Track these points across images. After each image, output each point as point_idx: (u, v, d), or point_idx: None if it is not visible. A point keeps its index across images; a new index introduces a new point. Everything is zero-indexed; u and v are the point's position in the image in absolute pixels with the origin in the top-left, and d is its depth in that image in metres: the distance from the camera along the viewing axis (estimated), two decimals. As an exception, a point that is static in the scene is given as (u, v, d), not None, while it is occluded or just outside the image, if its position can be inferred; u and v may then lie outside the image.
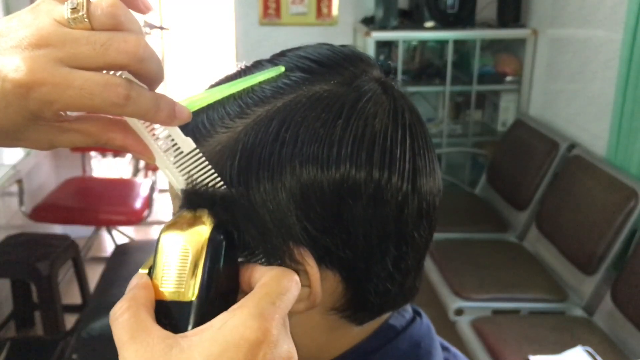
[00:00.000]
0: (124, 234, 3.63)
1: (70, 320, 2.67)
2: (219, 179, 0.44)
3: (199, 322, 0.38)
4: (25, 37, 0.36)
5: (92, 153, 3.77)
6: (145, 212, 3.06)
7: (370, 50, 3.09)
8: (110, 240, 3.56)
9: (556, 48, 2.99)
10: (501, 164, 3.10)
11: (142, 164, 4.05)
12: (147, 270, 0.41)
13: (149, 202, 3.12)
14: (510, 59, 3.31)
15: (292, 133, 0.44)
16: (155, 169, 3.41)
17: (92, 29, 0.37)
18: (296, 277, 0.41)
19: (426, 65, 3.43)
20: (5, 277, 2.66)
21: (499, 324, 2.17)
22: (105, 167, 4.26)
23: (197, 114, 0.45)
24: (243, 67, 0.51)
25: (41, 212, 2.93)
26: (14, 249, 2.52)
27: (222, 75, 0.51)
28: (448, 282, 2.43)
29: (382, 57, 3.25)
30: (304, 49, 0.50)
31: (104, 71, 0.38)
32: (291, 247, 0.44)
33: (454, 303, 2.32)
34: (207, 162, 0.44)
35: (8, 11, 2.78)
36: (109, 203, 3.13)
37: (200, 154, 0.44)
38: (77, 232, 3.24)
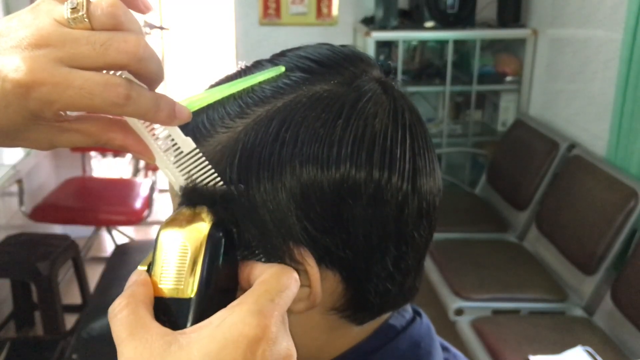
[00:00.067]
0: (124, 234, 3.63)
1: (70, 320, 2.67)
2: (219, 178, 0.44)
3: (197, 319, 0.38)
4: (25, 37, 0.36)
5: (92, 153, 3.77)
6: (145, 212, 3.06)
7: (370, 50, 3.09)
8: (110, 240, 3.56)
9: (556, 48, 2.99)
10: (501, 164, 3.10)
11: (142, 164, 4.05)
12: (146, 267, 0.41)
13: (149, 202, 3.12)
14: (510, 59, 3.31)
15: (292, 133, 0.44)
16: (155, 169, 3.42)
17: (92, 29, 0.37)
18: (295, 275, 0.41)
19: (426, 65, 3.43)
20: (5, 277, 2.66)
21: (499, 324, 2.17)
22: (105, 167, 4.26)
23: (197, 114, 0.45)
24: (243, 67, 0.51)
25: (41, 212, 2.93)
26: (14, 249, 2.52)
27: (222, 75, 0.51)
28: (448, 282, 2.43)
29: (382, 57, 3.25)
30: (304, 49, 0.50)
31: (104, 71, 0.38)
32: (291, 247, 0.44)
33: (454, 303, 2.32)
34: (207, 162, 0.44)
35: (8, 11, 2.78)
36: (109, 203, 3.13)
37: (201, 154, 0.44)
38: (77, 232, 3.24)
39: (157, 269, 0.40)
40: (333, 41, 0.52)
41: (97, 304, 2.21)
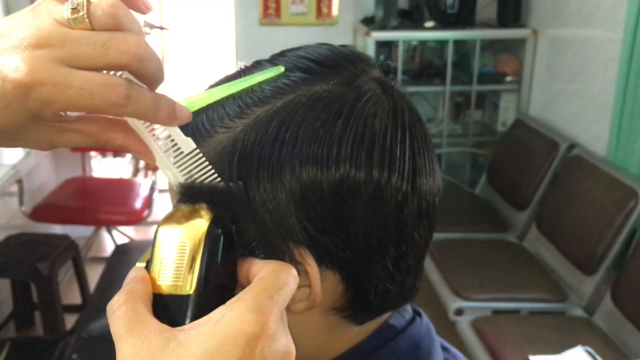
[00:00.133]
0: (124, 234, 3.63)
1: (70, 320, 2.67)
2: (219, 179, 0.44)
3: (196, 315, 0.38)
4: (26, 37, 0.36)
5: (92, 153, 3.77)
6: (145, 212, 3.06)
7: (370, 50, 3.09)
8: (110, 240, 3.56)
9: (556, 48, 2.99)
10: (501, 164, 3.10)
11: (142, 164, 4.06)
12: (144, 264, 0.41)
13: (149, 202, 3.12)
14: (510, 59, 3.31)
15: (292, 133, 0.44)
16: (155, 169, 3.41)
17: (93, 29, 0.37)
18: (294, 271, 0.41)
19: (426, 65, 3.43)
20: (5, 277, 2.66)
21: (499, 324, 2.17)
22: (105, 167, 4.26)
23: (196, 114, 0.45)
24: (242, 67, 0.51)
25: (41, 212, 2.93)
26: (14, 249, 2.52)
27: (221, 76, 0.51)
28: (448, 282, 2.43)
29: (382, 57, 3.25)
30: (303, 49, 0.50)
31: (105, 71, 0.38)
32: (291, 247, 0.44)
33: (454, 303, 2.32)
34: (207, 162, 0.44)
35: (8, 11, 2.78)
36: (109, 203, 3.13)
37: (201, 154, 0.44)
38: (77, 232, 3.24)
39: (156, 266, 0.40)
40: (333, 41, 0.52)
41: (97, 304, 2.21)
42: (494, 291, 2.37)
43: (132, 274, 0.40)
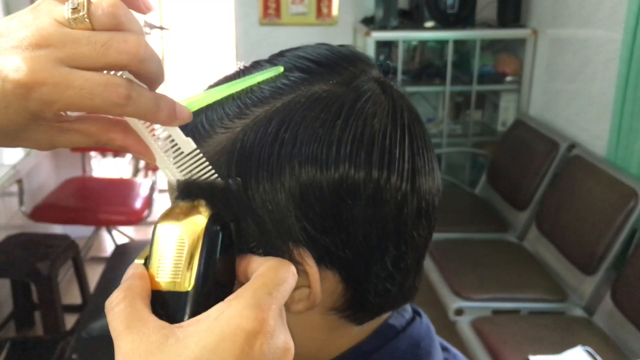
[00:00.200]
0: (124, 234, 3.63)
1: (70, 320, 2.67)
2: (219, 179, 0.44)
3: (195, 312, 0.38)
4: (26, 37, 0.36)
5: (92, 153, 3.77)
6: (145, 212, 3.06)
7: (370, 50, 3.09)
8: (110, 240, 3.56)
9: (556, 48, 2.99)
10: (501, 164, 3.10)
11: (142, 164, 4.06)
12: (142, 261, 0.41)
13: (149, 202, 3.12)
14: (510, 59, 3.31)
15: (291, 133, 0.44)
16: (155, 169, 3.41)
17: (93, 29, 0.37)
18: (293, 268, 0.41)
19: (426, 65, 3.43)
20: (5, 277, 2.66)
21: (499, 324, 2.17)
22: (105, 167, 4.26)
23: (196, 114, 0.45)
24: (242, 67, 0.51)
25: (41, 212, 2.93)
26: (14, 249, 2.52)
27: (221, 76, 0.51)
28: (448, 282, 2.43)
29: (382, 57, 3.25)
30: (302, 49, 0.50)
31: (105, 71, 0.38)
32: (290, 248, 0.44)
33: (454, 303, 2.32)
34: (207, 163, 0.44)
35: (8, 11, 2.78)
36: (109, 203, 3.13)
37: (201, 155, 0.44)
38: (77, 232, 3.24)
39: (154, 262, 0.40)
40: (333, 41, 0.52)
41: (97, 304, 2.21)
42: (494, 291, 2.37)
43: (130, 271, 0.40)
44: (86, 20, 0.37)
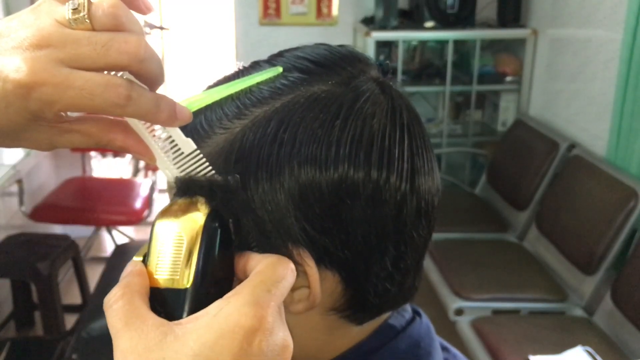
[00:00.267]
0: (124, 234, 3.63)
1: (70, 320, 2.67)
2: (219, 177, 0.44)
3: (193, 309, 0.38)
4: (26, 38, 0.36)
5: (92, 153, 3.77)
6: (145, 212, 3.06)
7: (370, 50, 3.09)
8: (110, 240, 3.56)
9: (556, 48, 2.99)
10: (501, 164, 3.10)
11: (142, 164, 4.05)
12: (141, 258, 0.41)
13: (149, 202, 3.12)
14: (510, 59, 3.31)
15: (291, 134, 0.44)
16: (155, 169, 3.41)
17: (93, 29, 0.37)
18: (292, 265, 0.41)
19: (426, 65, 3.43)
20: (5, 277, 2.66)
21: (499, 324, 2.17)
22: (105, 167, 4.26)
23: (195, 115, 0.45)
24: (241, 67, 0.51)
25: (41, 212, 2.93)
26: (14, 249, 2.52)
27: (221, 76, 0.51)
28: (448, 282, 2.43)
29: (381, 57, 3.26)
30: (301, 50, 0.50)
31: (105, 72, 0.38)
32: (290, 248, 0.44)
33: (454, 303, 2.32)
34: (207, 163, 0.44)
35: (8, 11, 2.78)
36: (109, 203, 3.13)
37: (201, 155, 0.44)
38: (77, 232, 3.24)
39: (153, 260, 0.40)
40: (333, 41, 0.52)
41: (97, 304, 2.21)
42: (494, 291, 2.37)
43: (129, 268, 0.40)
44: (87, 20, 0.37)
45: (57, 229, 3.33)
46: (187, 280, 0.39)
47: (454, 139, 3.42)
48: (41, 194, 3.12)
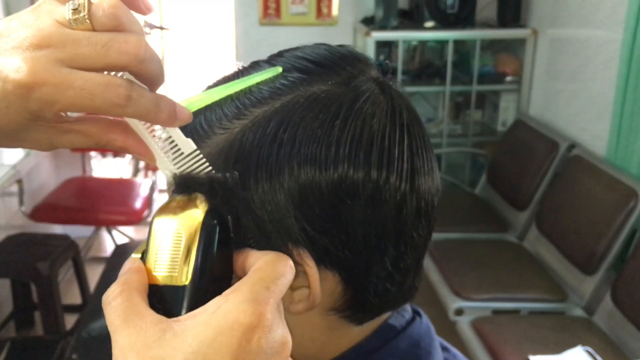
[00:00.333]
0: (124, 234, 3.63)
1: (70, 320, 2.67)
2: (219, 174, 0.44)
3: (192, 306, 0.38)
4: (27, 38, 0.36)
5: (92, 153, 3.77)
6: (145, 212, 3.06)
7: (370, 50, 3.09)
8: (110, 240, 3.56)
9: (556, 48, 2.99)
10: (501, 164, 3.10)
11: (142, 164, 4.05)
12: (140, 255, 0.41)
13: (149, 202, 3.12)
14: (510, 59, 3.31)
15: (290, 134, 0.44)
16: (155, 169, 3.42)
17: (94, 29, 0.37)
18: (290, 262, 0.41)
19: (426, 65, 3.43)
20: (5, 277, 2.66)
21: (499, 324, 2.17)
22: (105, 167, 4.26)
23: (194, 115, 0.45)
24: (240, 67, 0.51)
25: (41, 212, 2.93)
26: (14, 249, 2.52)
27: (220, 76, 0.51)
28: (448, 282, 2.43)
29: (381, 57, 3.25)
30: (301, 49, 0.50)
31: (105, 72, 0.38)
32: (290, 248, 0.44)
33: (454, 303, 2.32)
34: (207, 163, 0.44)
35: (8, 11, 2.78)
36: (109, 203, 3.13)
37: (201, 155, 0.44)
38: (77, 232, 3.24)
39: (151, 256, 0.40)
40: (333, 41, 0.52)
41: (97, 304, 2.21)
42: (494, 291, 2.37)
43: (127, 265, 0.40)
44: (87, 21, 0.37)
45: (57, 229, 3.33)
46: (185, 277, 0.39)
47: (454, 139, 3.43)
48: (41, 194, 3.12)
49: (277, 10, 3.42)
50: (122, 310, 0.37)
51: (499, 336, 2.08)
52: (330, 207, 0.44)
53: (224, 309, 0.36)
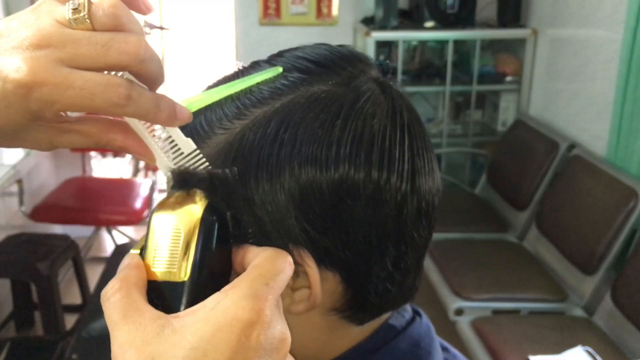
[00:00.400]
0: (124, 234, 3.63)
1: (70, 320, 2.67)
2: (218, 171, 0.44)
3: (191, 302, 0.38)
4: (27, 38, 0.36)
5: (92, 153, 3.77)
6: (145, 212, 3.06)
7: (370, 50, 3.09)
8: (110, 240, 3.56)
9: (556, 48, 2.99)
10: (501, 164, 3.10)
11: (142, 164, 4.06)
12: (138, 251, 0.41)
13: (149, 202, 3.12)
14: (510, 59, 3.31)
15: (291, 134, 0.44)
16: (155, 169, 3.42)
17: (94, 29, 0.37)
18: (290, 258, 0.40)
19: (426, 65, 3.43)
20: (5, 277, 2.66)
21: (499, 324, 2.17)
22: (105, 167, 4.26)
23: (195, 115, 0.45)
24: (241, 67, 0.51)
25: (41, 212, 2.93)
26: (14, 249, 2.52)
27: (220, 76, 0.51)
28: (448, 282, 2.43)
29: (382, 57, 3.25)
30: (301, 49, 0.50)
31: (105, 72, 0.38)
32: (290, 249, 0.44)
33: (454, 303, 2.32)
34: (207, 163, 0.44)
35: (8, 11, 2.78)
36: (109, 203, 3.13)
37: (201, 155, 0.44)
38: (77, 232, 3.24)
39: (150, 252, 0.40)
40: (333, 41, 0.52)
41: (97, 304, 2.20)
42: (494, 291, 2.37)
43: (126, 261, 0.40)
44: (87, 20, 0.37)
45: (57, 229, 3.33)
46: (184, 273, 0.38)
47: (454, 139, 3.43)
48: (41, 194, 3.12)
49: (277, 10, 3.42)
50: (121, 306, 0.37)
51: (499, 336, 2.08)
52: (331, 207, 0.44)
53: (223, 305, 0.36)
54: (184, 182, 0.42)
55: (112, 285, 0.38)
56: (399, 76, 3.25)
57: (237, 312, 0.36)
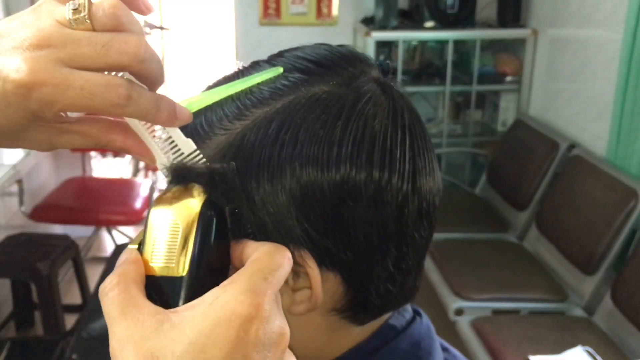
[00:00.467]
0: (124, 234, 3.63)
1: (70, 320, 2.67)
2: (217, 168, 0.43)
3: (189, 297, 0.37)
4: (27, 38, 0.36)
5: (92, 153, 3.77)
6: (145, 212, 3.06)
7: (370, 50, 3.09)
8: (110, 240, 3.56)
9: (556, 48, 2.99)
10: (501, 164, 3.10)
11: (142, 164, 4.06)
12: (136, 246, 0.41)
13: (149, 202, 3.12)
14: (510, 59, 3.31)
15: (292, 134, 0.44)
16: (155, 169, 3.41)
17: (94, 30, 0.37)
18: (288, 253, 0.40)
19: (426, 65, 3.43)
20: (5, 277, 2.66)
21: (499, 324, 2.17)
22: (105, 167, 4.26)
23: (195, 115, 0.45)
24: (241, 67, 0.51)
25: (41, 212, 2.93)
26: (14, 249, 2.52)
27: (220, 76, 0.51)
28: (448, 282, 2.43)
29: (382, 57, 3.26)
30: (301, 50, 0.50)
31: (105, 72, 0.38)
32: (292, 249, 0.44)
33: (454, 303, 2.32)
34: (207, 164, 0.44)
35: (8, 11, 2.78)
36: (109, 203, 3.13)
37: (201, 155, 0.44)
38: (77, 232, 3.24)
39: (148, 247, 0.39)
40: (333, 41, 0.52)
41: (97, 304, 2.20)
42: (494, 291, 2.37)
43: (124, 256, 0.40)
44: (87, 21, 0.37)
45: (57, 229, 3.33)
46: (182, 268, 0.38)
47: (454, 139, 3.43)
48: (41, 194, 3.12)
49: (277, 10, 3.42)
50: (119, 302, 0.37)
51: (499, 336, 2.08)
52: (332, 208, 0.44)
53: (222, 300, 0.36)
54: (181, 177, 0.42)
55: (110, 281, 0.38)
56: (399, 76, 3.25)
57: (235, 307, 0.36)
